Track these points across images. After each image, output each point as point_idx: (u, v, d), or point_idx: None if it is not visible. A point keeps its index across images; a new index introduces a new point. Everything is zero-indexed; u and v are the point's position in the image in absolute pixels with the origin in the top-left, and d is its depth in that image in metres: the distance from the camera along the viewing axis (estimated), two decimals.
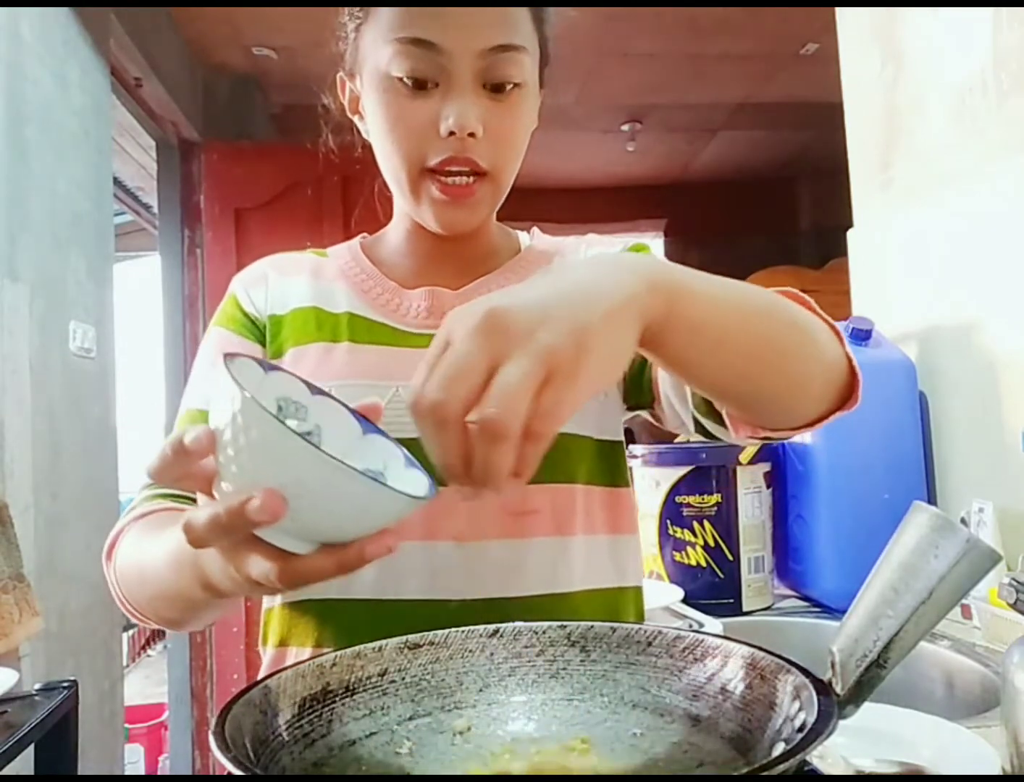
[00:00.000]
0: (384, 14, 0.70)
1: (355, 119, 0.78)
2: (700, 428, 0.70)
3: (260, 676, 0.74)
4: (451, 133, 0.68)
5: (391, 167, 0.73)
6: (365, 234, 0.86)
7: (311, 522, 0.43)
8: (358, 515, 0.43)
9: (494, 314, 0.40)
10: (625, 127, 4.21)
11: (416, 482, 0.49)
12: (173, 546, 0.55)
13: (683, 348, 0.50)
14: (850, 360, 0.60)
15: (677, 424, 0.74)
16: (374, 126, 0.73)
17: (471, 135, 0.68)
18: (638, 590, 0.79)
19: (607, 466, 0.77)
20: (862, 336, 1.40)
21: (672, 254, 5.20)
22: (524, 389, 0.39)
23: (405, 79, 0.68)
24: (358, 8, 0.74)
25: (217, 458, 0.43)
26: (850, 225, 1.74)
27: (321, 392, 0.51)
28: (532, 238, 0.85)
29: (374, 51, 0.71)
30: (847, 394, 0.61)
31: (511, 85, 0.70)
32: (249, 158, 3.17)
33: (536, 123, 0.79)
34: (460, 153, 0.69)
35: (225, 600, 0.58)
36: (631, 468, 1.49)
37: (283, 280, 0.79)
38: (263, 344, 0.77)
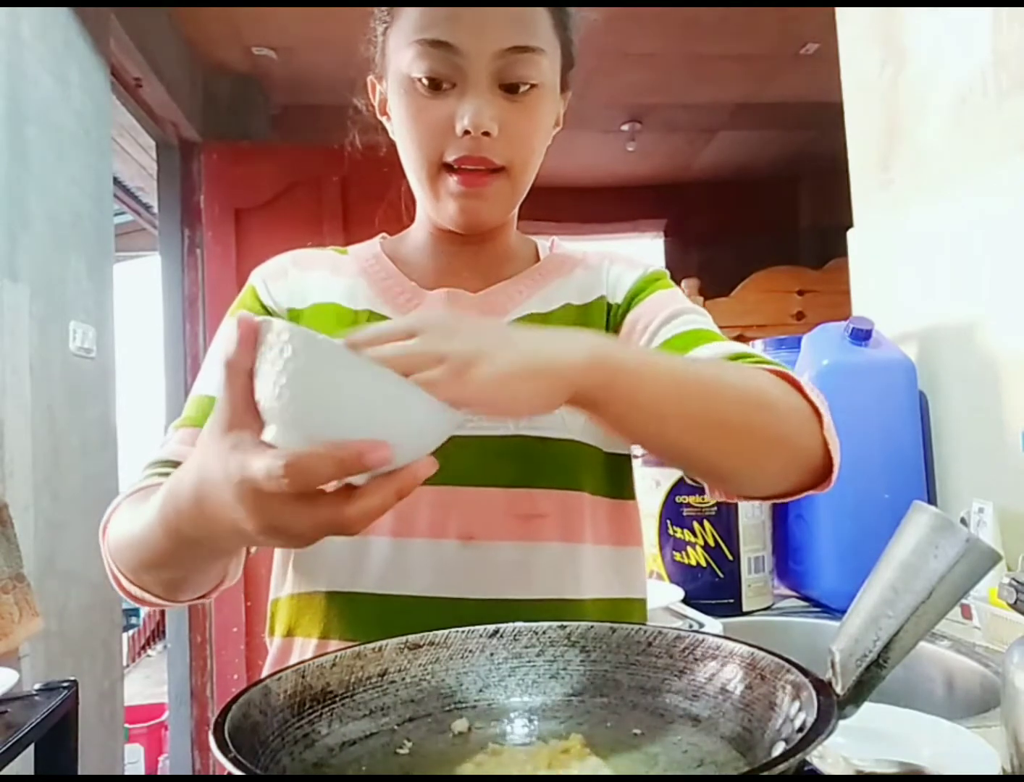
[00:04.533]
0: (406, 17, 0.71)
1: (384, 120, 0.80)
2: (690, 476, 0.73)
3: (267, 665, 0.75)
4: (466, 132, 0.69)
5: (412, 165, 0.74)
6: (385, 234, 0.86)
7: (395, 442, 0.44)
8: (419, 436, 0.46)
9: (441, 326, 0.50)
10: (625, 127, 4.20)
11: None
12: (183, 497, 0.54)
13: (621, 417, 0.56)
14: (827, 444, 0.62)
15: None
16: (397, 126, 0.75)
17: (486, 134, 0.69)
18: (643, 602, 0.79)
19: (614, 478, 0.77)
20: (862, 336, 1.40)
21: (672, 254, 5.20)
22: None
23: (423, 80, 0.70)
24: (386, 11, 0.75)
25: (284, 403, 0.43)
26: (850, 225, 1.74)
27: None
28: (553, 248, 0.85)
29: (396, 53, 0.72)
30: (821, 475, 0.63)
31: (527, 86, 0.70)
32: (249, 158, 3.17)
33: (560, 125, 0.80)
34: (475, 152, 0.70)
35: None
36: None
37: (304, 275, 0.80)
38: None
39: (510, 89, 0.70)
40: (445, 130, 0.70)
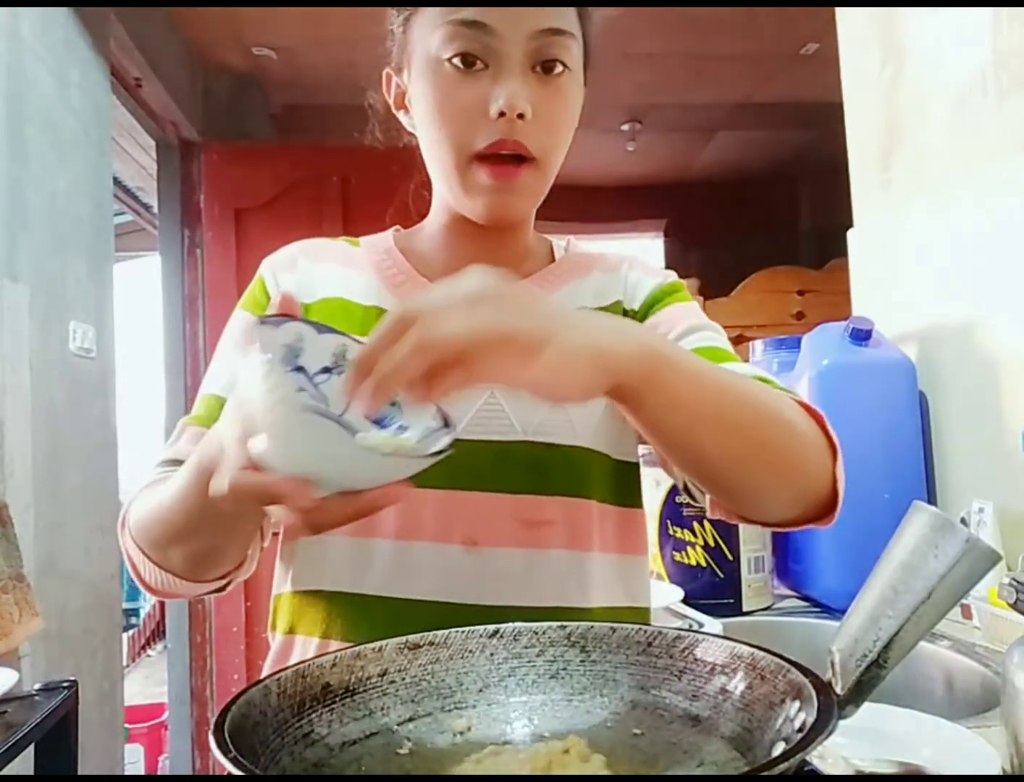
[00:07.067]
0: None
1: (400, 114, 0.78)
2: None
3: (267, 662, 0.75)
4: (501, 114, 0.67)
5: (439, 155, 0.72)
6: (399, 227, 0.84)
7: (334, 483, 0.47)
8: (377, 478, 0.48)
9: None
10: (625, 127, 4.20)
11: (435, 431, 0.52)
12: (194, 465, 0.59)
13: (657, 415, 0.54)
14: (835, 481, 0.61)
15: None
16: (422, 113, 0.72)
17: (520, 117, 0.67)
18: (647, 611, 0.79)
19: (622, 486, 0.76)
20: (862, 336, 1.40)
21: (672, 254, 5.20)
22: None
23: (455, 60, 0.68)
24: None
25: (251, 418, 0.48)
26: (850, 225, 1.74)
27: (331, 330, 0.55)
28: (568, 247, 0.84)
29: (423, 38, 0.70)
30: (825, 510, 0.63)
31: (560, 68, 0.69)
32: (249, 158, 3.17)
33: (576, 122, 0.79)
34: (509, 135, 0.68)
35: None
36: None
37: (313, 267, 0.78)
38: None
39: (544, 71, 0.69)
40: (477, 114, 0.68)
